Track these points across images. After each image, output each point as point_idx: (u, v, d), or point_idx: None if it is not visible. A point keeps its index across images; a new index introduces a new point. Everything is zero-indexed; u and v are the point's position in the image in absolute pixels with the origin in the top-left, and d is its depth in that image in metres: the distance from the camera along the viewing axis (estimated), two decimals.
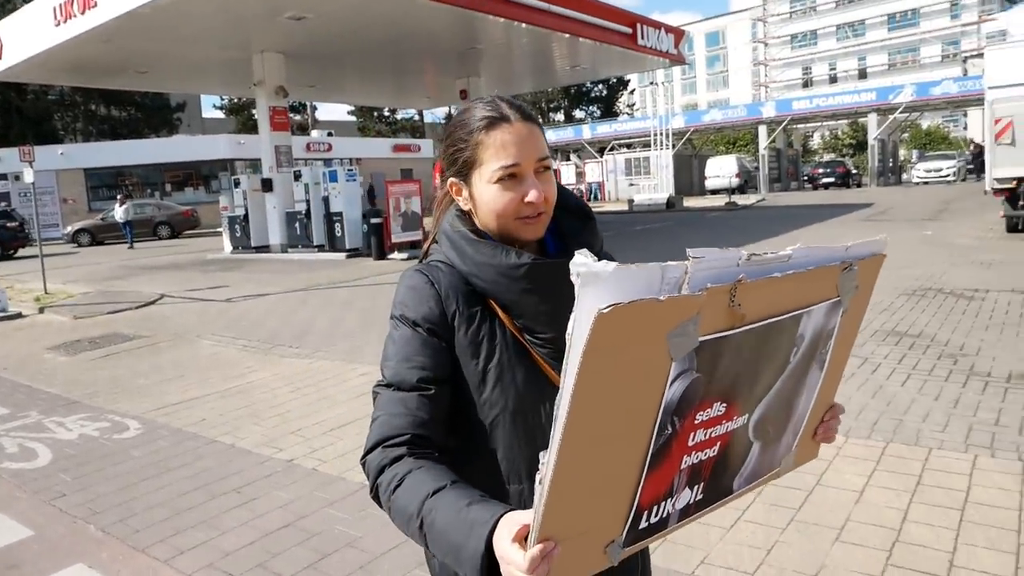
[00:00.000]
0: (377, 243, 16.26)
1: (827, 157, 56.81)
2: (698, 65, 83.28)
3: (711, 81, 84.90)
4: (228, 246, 20.43)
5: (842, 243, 1.04)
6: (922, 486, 3.62)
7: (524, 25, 16.06)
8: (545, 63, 22.67)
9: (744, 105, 48.92)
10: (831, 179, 40.37)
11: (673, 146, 35.62)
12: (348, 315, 9.62)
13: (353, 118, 55.36)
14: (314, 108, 48.09)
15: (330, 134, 40.00)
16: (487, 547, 0.90)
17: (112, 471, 4.60)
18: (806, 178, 43.50)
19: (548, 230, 1.23)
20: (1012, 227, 13.53)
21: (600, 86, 55.08)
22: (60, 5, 15.07)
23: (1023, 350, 5.93)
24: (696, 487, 1.01)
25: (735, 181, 37.15)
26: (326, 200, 17.62)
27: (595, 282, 0.74)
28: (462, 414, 1.19)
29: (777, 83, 73.51)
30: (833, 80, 69.71)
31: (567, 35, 17.49)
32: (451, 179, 1.25)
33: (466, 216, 1.25)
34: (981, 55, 15.37)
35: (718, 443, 1.00)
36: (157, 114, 44.59)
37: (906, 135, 54.96)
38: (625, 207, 30.98)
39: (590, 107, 56.90)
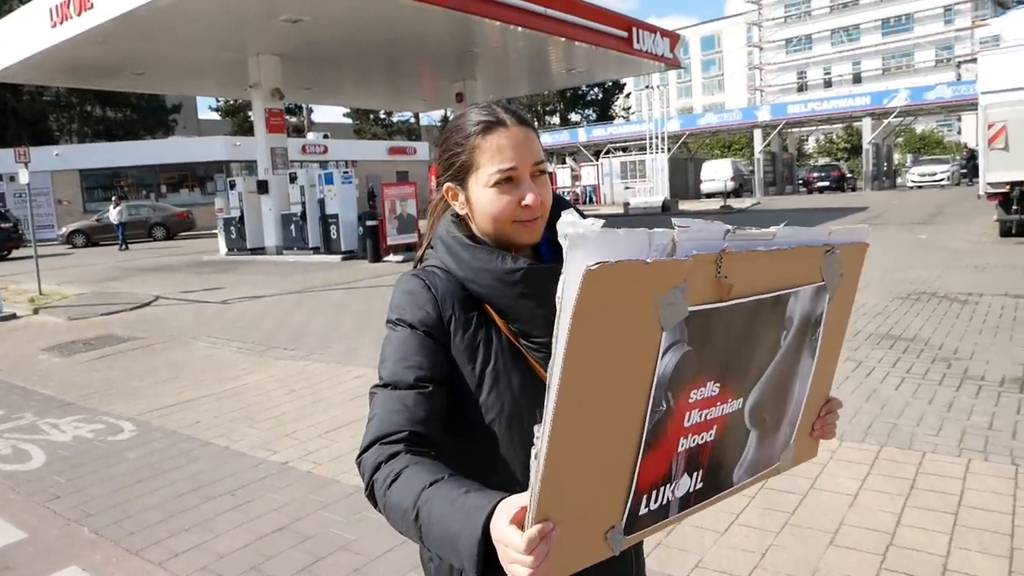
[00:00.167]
0: (372, 246, 16.25)
1: (822, 161, 57.00)
2: (694, 69, 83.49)
3: (706, 85, 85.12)
4: (223, 248, 20.41)
5: (825, 228, 1.06)
6: (916, 490, 3.63)
7: (520, 29, 16.09)
8: (541, 66, 22.71)
9: (739, 109, 49.12)
10: (826, 183, 40.50)
11: (668, 149, 35.73)
12: (343, 317, 9.61)
13: (349, 120, 55.33)
14: (310, 110, 48.10)
15: (326, 136, 39.99)
16: (484, 532, 0.88)
17: (106, 473, 4.58)
18: (801, 182, 43.65)
19: (544, 236, 1.24)
20: (1005, 231, 13.59)
21: (596, 89, 55.17)
22: (56, 6, 15.05)
23: (1017, 354, 5.95)
24: (695, 474, 1.00)
25: (730, 185, 37.22)
26: (322, 202, 17.61)
27: (583, 243, 0.75)
28: (458, 418, 1.19)
29: (772, 87, 73.75)
30: (828, 84, 69.98)
31: (563, 39, 17.53)
32: (447, 184, 1.26)
33: (462, 221, 1.26)
34: (975, 60, 15.44)
35: (714, 426, 1.00)
36: (153, 115, 44.54)
37: (900, 139, 55.19)
38: (620, 210, 31.02)
39: (586, 110, 56.99)
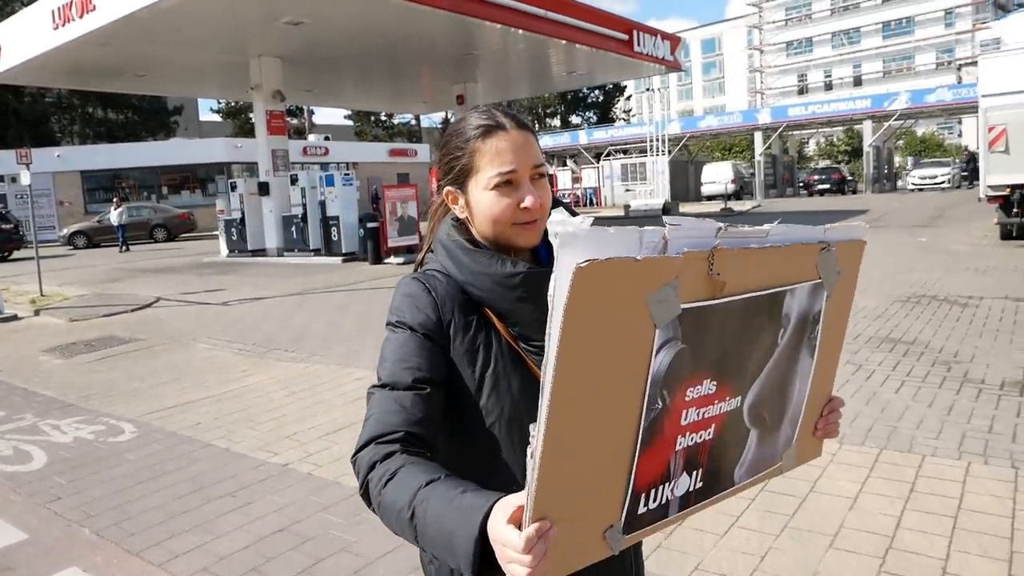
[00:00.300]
0: (373, 247, 16.26)
1: (822, 164, 57.04)
2: (694, 71, 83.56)
3: (707, 87, 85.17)
4: (224, 249, 20.43)
5: (820, 225, 1.06)
6: (916, 493, 3.64)
7: (521, 31, 16.12)
8: (542, 69, 22.74)
9: (740, 111, 49.14)
10: (826, 186, 40.54)
11: (669, 152, 35.74)
12: (344, 319, 9.62)
13: (350, 122, 55.38)
14: (311, 112, 48.13)
15: (327, 138, 40.02)
16: (482, 532, 0.88)
17: (107, 474, 4.59)
18: (801, 184, 43.66)
19: (541, 240, 1.24)
20: (1006, 234, 13.59)
21: (596, 92, 55.21)
22: (59, 8, 15.08)
23: (1017, 357, 5.95)
24: (695, 473, 1.00)
25: (731, 187, 37.23)
26: (322, 204, 17.63)
27: (573, 242, 0.75)
28: (457, 421, 1.20)
29: (773, 90, 73.77)
30: (828, 87, 70.01)
31: (564, 41, 17.56)
32: (447, 188, 1.27)
33: (462, 225, 1.27)
34: (975, 63, 15.46)
35: (712, 425, 1.00)
36: (154, 117, 44.62)
37: (901, 142, 55.20)
38: (621, 212, 31.03)
39: (586, 113, 57.01)
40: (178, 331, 9.39)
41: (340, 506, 3.89)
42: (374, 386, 1.19)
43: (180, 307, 11.50)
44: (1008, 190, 13.04)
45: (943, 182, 36.96)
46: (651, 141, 32.81)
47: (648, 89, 34.40)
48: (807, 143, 62.48)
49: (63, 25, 15.09)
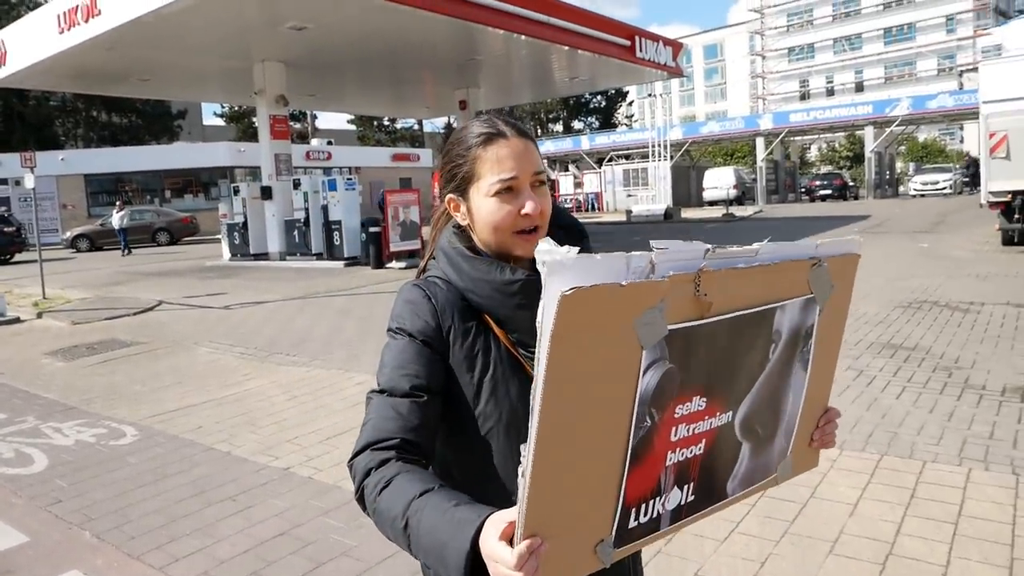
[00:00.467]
0: (375, 252, 16.28)
1: (824, 169, 57.06)
2: (696, 77, 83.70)
3: (709, 93, 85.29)
4: (227, 253, 20.46)
5: (812, 240, 1.06)
6: (916, 499, 3.64)
7: (523, 37, 16.15)
8: (544, 74, 22.78)
9: (742, 117, 49.16)
10: (828, 191, 40.55)
11: (671, 157, 35.77)
12: (346, 324, 9.63)
13: (353, 127, 55.50)
14: (314, 117, 48.28)
15: (330, 143, 40.13)
16: (473, 546, 0.90)
17: (108, 477, 4.60)
18: (803, 190, 43.67)
19: None
20: (1007, 240, 13.58)
21: (599, 97, 55.31)
22: (64, 13, 15.15)
23: (1018, 363, 5.95)
24: (686, 487, 1.01)
25: (732, 193, 37.28)
26: (325, 208, 17.64)
27: (560, 270, 0.77)
28: (457, 427, 1.21)
29: (775, 95, 73.85)
30: (830, 93, 70.07)
31: (566, 47, 17.59)
32: (449, 195, 1.28)
33: (463, 232, 1.28)
34: (976, 69, 15.48)
35: (703, 440, 1.01)
36: (158, 121, 44.76)
37: (903, 148, 55.23)
38: (623, 218, 31.04)
39: (589, 118, 57.10)
40: (180, 335, 9.40)
41: (341, 510, 3.89)
42: (373, 391, 1.20)
43: (182, 311, 11.52)
44: (1009, 196, 13.03)
45: (945, 188, 36.95)
46: (653, 146, 32.86)
47: (650, 94, 34.48)
48: (809, 149, 62.55)
49: (68, 29, 15.15)
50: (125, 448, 5.17)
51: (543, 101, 49.34)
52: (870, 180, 41.10)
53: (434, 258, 1.31)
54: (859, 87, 68.81)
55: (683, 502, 1.02)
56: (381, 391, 1.18)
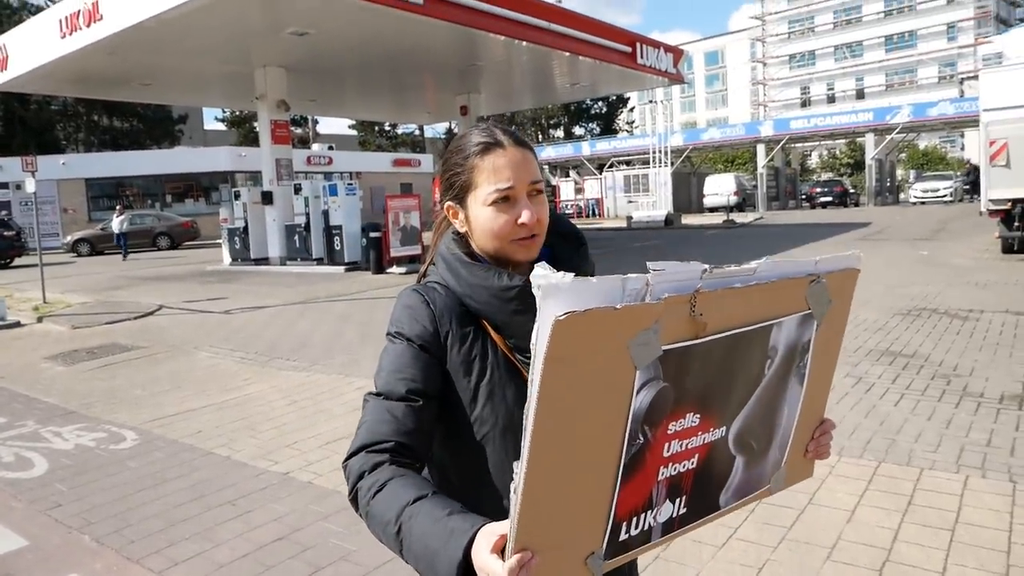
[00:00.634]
0: (376, 257, 16.31)
1: (825, 176, 57.12)
2: (697, 84, 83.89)
3: (710, 100, 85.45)
4: (227, 258, 20.48)
5: (812, 257, 1.06)
6: (913, 506, 3.64)
7: (524, 43, 16.20)
8: (545, 80, 22.84)
9: (743, 124, 49.25)
10: (829, 198, 40.61)
11: (672, 164, 35.82)
12: (346, 328, 9.65)
13: (354, 132, 55.60)
14: (315, 122, 48.35)
15: (331, 148, 40.19)
16: (465, 556, 0.92)
17: (108, 482, 4.61)
18: (804, 197, 43.74)
19: (541, 254, 1.27)
20: (1007, 248, 13.60)
21: (600, 103, 55.39)
22: (66, 17, 15.20)
23: (1016, 371, 5.96)
24: (678, 500, 1.02)
25: (733, 199, 37.33)
26: (326, 213, 17.68)
27: (555, 293, 0.78)
28: (454, 431, 1.22)
29: (775, 102, 73.99)
30: (831, 100, 70.24)
31: (567, 53, 17.65)
32: (448, 203, 1.30)
33: (462, 239, 1.30)
34: (977, 77, 15.52)
35: (696, 455, 1.01)
36: (159, 125, 44.82)
37: (903, 155, 55.29)
38: (623, 224, 31.06)
39: (589, 124, 57.19)
40: (180, 339, 9.41)
41: (340, 515, 3.90)
42: (369, 394, 1.22)
43: (182, 315, 11.54)
44: (1009, 204, 13.06)
45: (945, 195, 37.00)
46: (654, 153, 32.89)
47: (651, 101, 34.58)
48: (810, 156, 62.63)
49: (70, 34, 15.21)
50: (125, 452, 5.18)
51: (544, 107, 49.43)
52: (871, 187, 41.16)
53: (434, 264, 1.33)
54: (860, 94, 68.94)
55: (675, 514, 1.03)
56: (378, 394, 1.20)
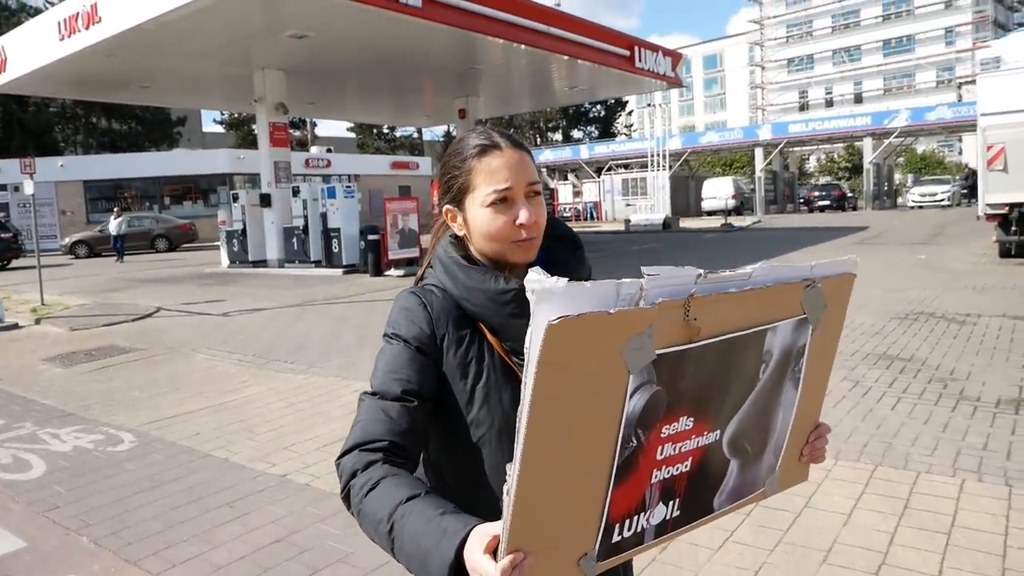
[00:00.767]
0: (374, 260, 16.32)
1: (823, 180, 57.20)
2: (696, 87, 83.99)
3: (708, 103, 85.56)
4: (225, 260, 20.46)
5: (807, 262, 1.06)
6: (910, 509, 3.65)
7: (523, 46, 16.22)
8: (544, 84, 22.86)
9: (741, 127, 49.34)
10: (827, 202, 40.64)
11: (670, 167, 35.87)
12: (343, 331, 9.65)
13: (352, 135, 55.59)
14: (314, 124, 48.34)
15: (329, 150, 40.18)
16: (457, 556, 0.92)
17: (106, 483, 4.61)
18: (802, 201, 43.76)
19: (538, 258, 1.28)
20: (1005, 252, 13.63)
21: (598, 107, 55.43)
22: (65, 19, 15.20)
23: (1013, 375, 5.98)
24: (671, 503, 1.03)
25: (731, 203, 37.34)
26: (324, 216, 17.69)
27: (549, 298, 0.78)
28: (451, 432, 1.23)
29: (774, 106, 74.10)
30: (829, 104, 70.34)
31: (566, 57, 17.66)
32: (446, 206, 1.31)
33: (459, 242, 1.31)
34: (975, 81, 15.56)
35: (689, 458, 1.02)
36: (157, 128, 44.82)
37: (901, 159, 55.39)
38: (622, 227, 31.08)
39: (588, 127, 57.22)
40: (178, 341, 9.41)
41: (338, 517, 3.90)
42: (365, 393, 1.23)
43: (180, 317, 11.54)
44: (1007, 208, 13.09)
45: (943, 199, 37.07)
46: (652, 156, 32.95)
47: (650, 104, 34.66)
48: (808, 159, 62.66)
49: (69, 36, 15.20)
50: (123, 454, 5.18)
51: (542, 110, 49.47)
52: (868, 191, 41.22)
53: (432, 267, 1.33)
54: (858, 98, 69.06)
55: (668, 517, 1.03)
56: (373, 393, 1.21)
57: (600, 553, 0.96)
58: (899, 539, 3.35)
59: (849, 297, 1.18)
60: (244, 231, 19.64)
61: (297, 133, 45.16)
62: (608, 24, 19.62)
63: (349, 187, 18.26)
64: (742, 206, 40.02)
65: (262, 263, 19.23)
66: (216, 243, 22.59)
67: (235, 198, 20.35)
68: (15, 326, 11.21)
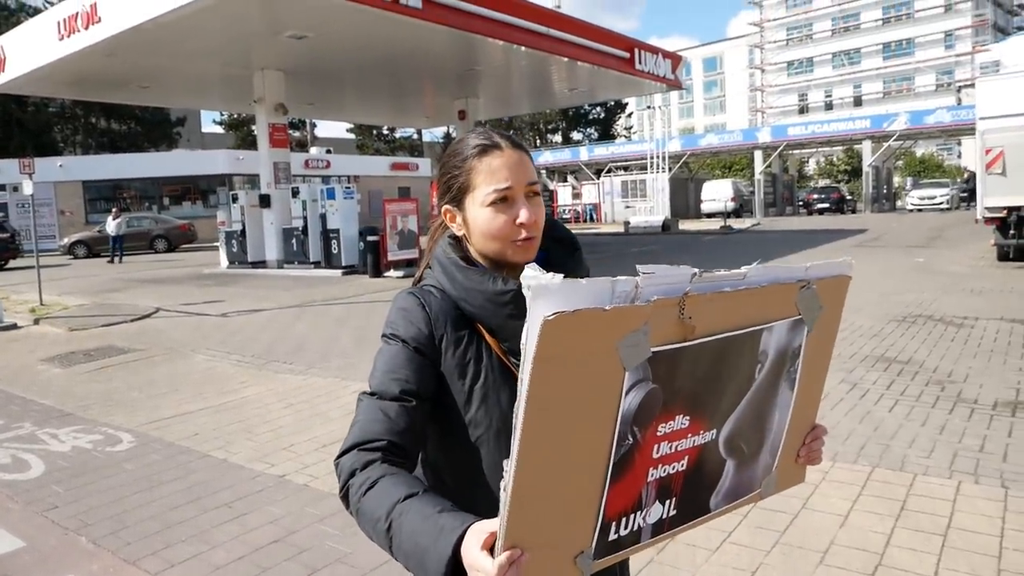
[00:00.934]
0: (373, 261, 16.32)
1: (822, 183, 57.24)
2: (695, 90, 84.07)
3: (708, 106, 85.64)
4: (224, 261, 20.47)
5: (803, 263, 1.07)
6: (906, 511, 3.67)
7: (523, 48, 16.24)
8: (543, 85, 22.89)
9: (740, 130, 49.41)
10: (826, 205, 40.71)
11: (669, 169, 35.90)
12: (342, 332, 9.66)
13: (352, 136, 55.63)
14: (313, 125, 48.36)
15: (329, 151, 40.20)
16: (455, 553, 0.93)
17: (104, 483, 4.61)
18: (801, 203, 43.82)
19: (536, 259, 1.28)
20: (1003, 255, 13.66)
21: (598, 109, 55.50)
22: (64, 19, 15.21)
23: (1010, 378, 6.00)
24: (668, 502, 1.03)
25: (730, 205, 37.39)
26: (323, 217, 17.70)
27: (545, 294, 0.79)
28: (449, 432, 1.24)
29: (773, 109, 74.20)
30: (829, 107, 70.41)
31: (565, 58, 17.69)
32: (445, 206, 1.32)
33: (458, 243, 1.31)
34: (974, 85, 15.59)
35: (685, 457, 1.02)
36: (157, 128, 44.85)
37: (900, 162, 55.45)
38: (621, 229, 31.10)
39: (588, 129, 57.28)
40: (177, 342, 9.42)
41: (336, 517, 3.91)
42: (364, 393, 1.23)
43: (179, 318, 11.54)
44: (1005, 212, 13.12)
45: (942, 203, 37.12)
46: (651, 158, 33.00)
47: (649, 107, 34.69)
48: (807, 162, 62.75)
49: (68, 36, 15.21)
50: (121, 454, 5.19)
51: (542, 112, 49.52)
52: (867, 194, 41.27)
53: (430, 267, 1.34)
54: (857, 101, 69.14)
55: (664, 516, 1.04)
56: (372, 393, 1.22)
57: (597, 551, 0.97)
58: (895, 540, 3.36)
59: (844, 299, 1.18)
60: (243, 232, 19.65)
61: (296, 134, 45.19)
62: (608, 26, 19.61)
63: (348, 188, 18.27)
64: (741, 208, 40.09)
65: (261, 264, 19.23)
66: (215, 244, 22.58)
67: (234, 199, 20.35)
68: (14, 326, 11.21)
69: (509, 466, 0.84)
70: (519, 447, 0.83)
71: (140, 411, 6.26)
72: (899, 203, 44.96)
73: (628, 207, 37.98)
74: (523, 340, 0.81)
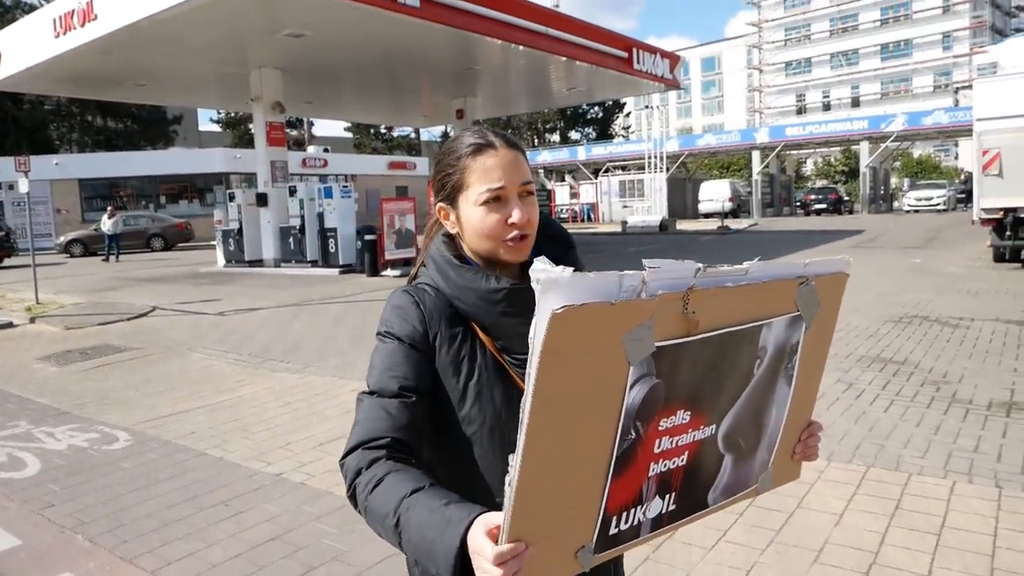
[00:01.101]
0: (370, 260, 16.32)
1: (819, 183, 57.36)
2: (693, 90, 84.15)
3: (706, 106, 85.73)
4: (221, 259, 20.45)
5: (802, 260, 1.08)
6: (901, 510, 3.68)
7: (521, 47, 16.24)
8: (541, 85, 22.88)
9: (738, 130, 49.49)
10: (823, 205, 40.79)
11: (667, 169, 35.93)
12: (339, 331, 9.66)
13: (349, 135, 55.59)
14: (311, 124, 48.32)
15: (326, 150, 40.16)
16: (462, 544, 0.94)
17: (101, 482, 4.61)
18: (798, 204, 43.91)
19: (531, 257, 1.29)
20: (999, 257, 13.70)
21: (596, 108, 55.53)
22: (60, 17, 15.18)
23: (1005, 378, 6.02)
24: (667, 497, 1.04)
25: (728, 205, 37.45)
26: (321, 216, 17.70)
27: (554, 288, 0.80)
28: (443, 429, 1.25)
29: (771, 109, 74.30)
30: (826, 108, 70.55)
31: (563, 58, 17.70)
32: (439, 204, 1.32)
33: (452, 241, 1.32)
34: (972, 86, 15.63)
35: (686, 452, 1.04)
36: (154, 126, 44.78)
37: (898, 163, 55.56)
38: (618, 229, 31.12)
39: (586, 129, 57.31)
40: (174, 340, 9.41)
41: (333, 516, 3.92)
42: (363, 392, 1.24)
43: (176, 316, 11.53)
44: (1001, 213, 13.15)
45: (938, 204, 37.22)
46: (649, 158, 33.03)
47: (647, 106, 34.68)
48: (804, 163, 62.84)
49: (64, 33, 15.18)
50: (118, 453, 5.19)
51: (540, 111, 49.53)
52: (865, 195, 41.35)
53: (425, 265, 1.35)
54: (855, 102, 69.27)
55: (664, 511, 1.05)
56: (371, 392, 1.22)
57: (597, 545, 0.98)
58: (890, 539, 3.37)
59: (842, 297, 1.20)
60: (240, 230, 19.62)
61: (294, 132, 45.14)
62: (606, 26, 19.61)
63: (346, 187, 18.27)
64: (739, 209, 40.12)
65: (258, 263, 19.21)
66: (212, 242, 22.56)
67: (231, 197, 20.33)
68: (10, 325, 11.20)
69: (514, 460, 0.85)
70: (525, 440, 0.83)
71: (136, 409, 6.26)
72: (896, 204, 45.08)
73: (626, 207, 38.00)
74: (531, 334, 0.81)
